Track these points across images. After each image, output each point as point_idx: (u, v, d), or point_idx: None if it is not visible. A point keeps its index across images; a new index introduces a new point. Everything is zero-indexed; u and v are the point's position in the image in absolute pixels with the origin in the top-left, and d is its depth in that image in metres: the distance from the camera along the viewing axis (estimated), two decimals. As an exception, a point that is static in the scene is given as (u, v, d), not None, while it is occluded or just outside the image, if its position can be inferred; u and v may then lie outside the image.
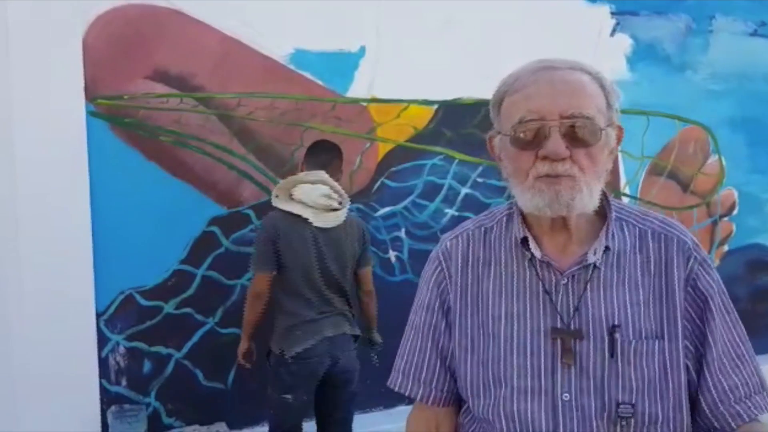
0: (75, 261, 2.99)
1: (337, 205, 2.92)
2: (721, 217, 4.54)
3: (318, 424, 3.03)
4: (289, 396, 2.85)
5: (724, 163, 4.52)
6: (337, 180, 2.98)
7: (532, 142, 1.13)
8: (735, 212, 4.58)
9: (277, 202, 2.91)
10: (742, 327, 1.21)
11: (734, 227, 4.57)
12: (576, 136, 1.11)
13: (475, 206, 3.72)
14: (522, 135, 1.13)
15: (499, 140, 1.21)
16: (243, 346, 2.96)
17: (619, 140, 1.20)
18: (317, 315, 2.88)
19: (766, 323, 4.56)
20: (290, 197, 2.89)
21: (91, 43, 3.04)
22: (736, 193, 4.57)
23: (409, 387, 1.29)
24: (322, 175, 2.92)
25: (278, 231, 2.85)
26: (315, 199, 2.87)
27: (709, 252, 4.48)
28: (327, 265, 2.89)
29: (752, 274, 4.61)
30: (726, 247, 4.55)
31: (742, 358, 1.19)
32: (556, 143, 1.10)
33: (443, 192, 3.77)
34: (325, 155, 2.99)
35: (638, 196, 4.27)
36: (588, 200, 1.14)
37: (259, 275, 2.86)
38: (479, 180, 3.79)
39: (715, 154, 4.50)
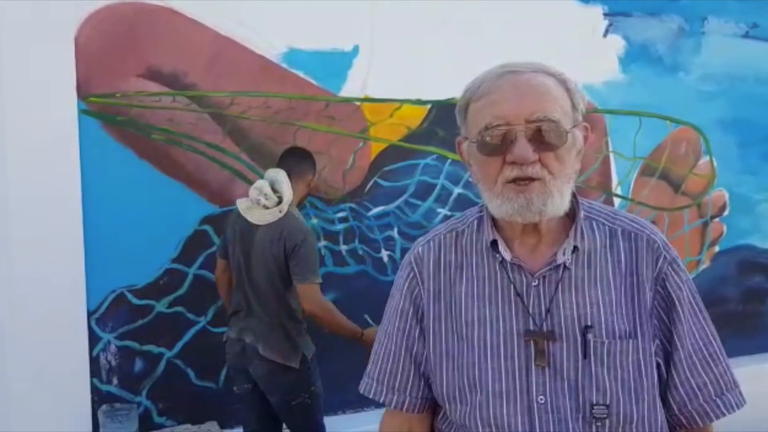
0: (66, 259, 2.97)
1: (266, 203, 2.81)
2: (712, 217, 4.56)
3: None
4: (234, 387, 2.98)
5: (715, 164, 4.53)
6: (305, 186, 2.96)
7: (499, 147, 1.13)
8: (726, 213, 4.59)
9: None
10: (712, 326, 1.23)
11: (725, 228, 4.59)
12: (543, 140, 1.12)
13: (467, 206, 3.64)
14: (488, 141, 1.14)
15: (467, 146, 1.22)
16: None
17: (585, 140, 1.21)
18: (237, 310, 2.93)
19: (756, 324, 4.58)
20: None
21: (83, 41, 3.03)
22: (727, 194, 4.59)
23: (383, 394, 1.28)
24: (275, 173, 2.88)
25: (229, 223, 2.97)
26: (253, 191, 2.84)
27: (700, 252, 4.50)
28: (251, 264, 2.86)
29: (743, 275, 4.62)
30: (717, 248, 4.57)
31: (713, 356, 1.20)
32: (522, 148, 1.10)
33: (436, 192, 3.78)
34: (290, 159, 2.98)
35: (630, 196, 4.29)
36: (559, 204, 1.14)
37: (217, 260, 3.07)
38: (472, 180, 3.78)
39: (706, 155, 4.51)
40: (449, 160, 3.78)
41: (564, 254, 1.17)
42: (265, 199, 2.80)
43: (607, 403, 1.12)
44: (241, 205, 2.87)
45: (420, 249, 1.29)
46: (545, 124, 1.11)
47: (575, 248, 1.18)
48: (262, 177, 3.05)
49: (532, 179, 1.12)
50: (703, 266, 4.48)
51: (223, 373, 3.30)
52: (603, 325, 1.15)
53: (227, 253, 2.97)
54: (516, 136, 1.11)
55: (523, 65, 1.17)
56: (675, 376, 1.19)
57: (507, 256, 1.19)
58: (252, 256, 2.84)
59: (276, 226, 2.79)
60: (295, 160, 2.98)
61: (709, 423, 1.21)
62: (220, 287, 3.08)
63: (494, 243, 1.20)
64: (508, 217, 1.15)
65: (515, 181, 1.12)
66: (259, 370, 2.83)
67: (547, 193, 1.12)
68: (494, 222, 1.22)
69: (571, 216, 1.21)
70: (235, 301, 2.94)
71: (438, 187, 3.78)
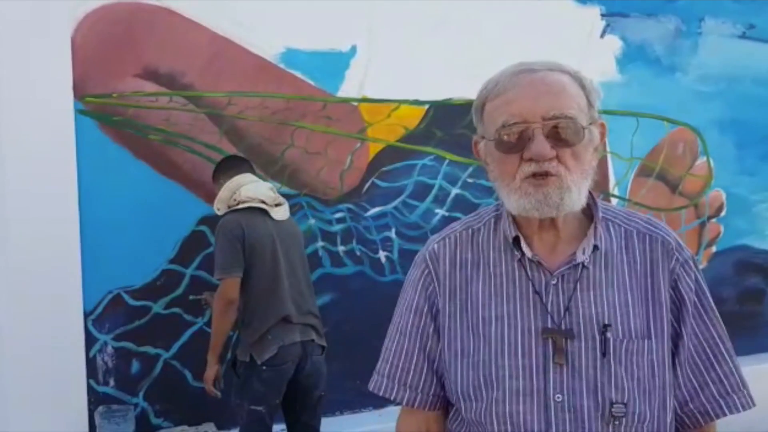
0: (63, 260, 2.96)
1: (280, 200, 2.97)
2: (709, 218, 4.56)
3: (287, 426, 3.02)
4: (260, 407, 2.78)
5: (712, 164, 4.54)
6: None
7: (516, 145, 1.14)
8: (723, 213, 4.60)
9: (225, 211, 2.88)
10: (723, 326, 1.23)
11: (722, 228, 4.60)
12: (559, 137, 1.13)
13: (465, 206, 3.72)
14: (506, 139, 1.14)
15: (483, 145, 1.22)
16: (213, 370, 2.85)
17: (602, 137, 1.21)
18: (288, 316, 2.82)
19: (753, 324, 4.59)
20: (236, 202, 2.85)
21: (80, 41, 3.02)
22: (724, 195, 4.60)
23: (395, 391, 1.28)
24: (255, 176, 2.96)
25: (243, 229, 2.78)
26: (265, 192, 2.88)
27: (697, 253, 4.50)
28: (292, 259, 2.88)
29: (740, 275, 4.64)
30: (714, 248, 4.57)
31: (717, 357, 1.21)
32: (540, 145, 1.11)
33: (434, 192, 3.77)
34: (245, 165, 3.01)
35: (627, 197, 4.29)
36: (576, 199, 1.15)
37: (230, 280, 2.76)
38: (469, 180, 3.79)
39: (703, 155, 4.52)
40: (447, 161, 3.78)
41: (584, 253, 1.18)
42: (278, 196, 2.97)
43: (625, 401, 1.13)
44: (263, 206, 2.86)
45: (435, 246, 1.28)
46: (562, 121, 1.12)
47: (595, 247, 1.19)
48: (257, 176, 3.06)
49: (549, 174, 1.12)
50: (700, 267, 4.48)
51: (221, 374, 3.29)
52: (620, 325, 1.16)
53: (248, 266, 2.79)
54: (533, 133, 1.12)
55: (538, 63, 1.18)
56: (678, 375, 1.20)
57: (528, 252, 1.19)
58: (291, 252, 2.90)
59: (291, 219, 3.03)
60: (249, 166, 3.02)
61: (710, 422, 1.22)
62: (235, 310, 2.81)
63: (515, 240, 1.20)
64: (526, 212, 1.15)
65: (533, 176, 1.13)
66: (317, 365, 2.91)
67: (564, 187, 1.13)
68: (513, 219, 1.22)
69: (589, 215, 1.22)
70: (278, 310, 2.81)
71: (436, 188, 3.78)
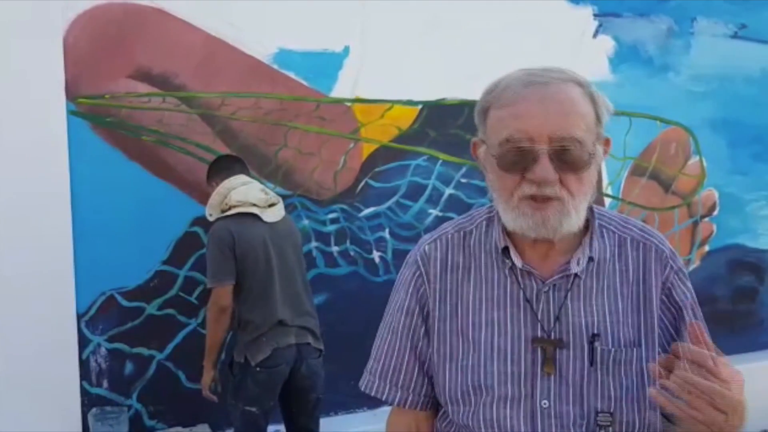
0: (56, 261, 2.95)
1: (274, 200, 2.94)
2: (702, 217, 4.58)
3: (286, 429, 3.02)
4: (254, 408, 2.80)
5: (705, 163, 4.55)
6: None
7: (519, 163, 1.09)
8: (716, 213, 4.62)
9: (217, 216, 2.88)
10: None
11: (715, 228, 4.61)
12: (565, 160, 1.08)
13: (458, 207, 3.72)
14: (509, 156, 1.10)
15: (484, 151, 1.18)
16: (209, 375, 2.87)
17: (606, 153, 1.18)
18: (283, 320, 2.82)
19: (746, 323, 4.60)
20: (228, 206, 2.85)
21: (72, 42, 3.01)
22: (716, 194, 4.61)
23: (385, 391, 1.28)
24: (248, 179, 2.94)
25: (233, 235, 2.79)
26: (256, 194, 2.87)
27: (690, 252, 4.52)
28: (287, 261, 2.88)
29: (732, 274, 4.65)
30: (707, 248, 4.59)
31: None
32: (544, 169, 1.07)
33: (427, 192, 3.77)
34: (238, 165, 3.01)
35: (620, 196, 4.30)
36: (575, 222, 1.12)
37: (221, 288, 2.78)
38: (463, 180, 3.80)
39: (696, 155, 4.54)
40: (440, 161, 3.78)
41: (578, 264, 1.16)
42: (274, 198, 2.94)
43: (611, 410, 1.13)
44: (254, 210, 2.85)
45: (427, 247, 1.27)
46: (569, 143, 1.08)
47: (590, 259, 1.17)
48: (251, 177, 3.05)
49: (550, 198, 1.09)
50: (693, 266, 4.50)
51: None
52: (610, 334, 1.15)
53: (240, 272, 2.80)
54: (538, 155, 1.07)
55: (549, 74, 1.12)
56: None
57: (518, 262, 1.17)
58: (285, 251, 2.88)
59: (287, 219, 3.00)
60: (241, 166, 3.02)
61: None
62: (228, 316, 2.83)
63: (505, 249, 1.19)
64: (521, 231, 1.13)
65: (532, 197, 1.09)
66: (313, 368, 2.90)
67: (564, 212, 1.09)
68: (504, 227, 1.20)
69: (584, 224, 1.19)
70: (272, 315, 2.82)
71: (429, 188, 3.78)
